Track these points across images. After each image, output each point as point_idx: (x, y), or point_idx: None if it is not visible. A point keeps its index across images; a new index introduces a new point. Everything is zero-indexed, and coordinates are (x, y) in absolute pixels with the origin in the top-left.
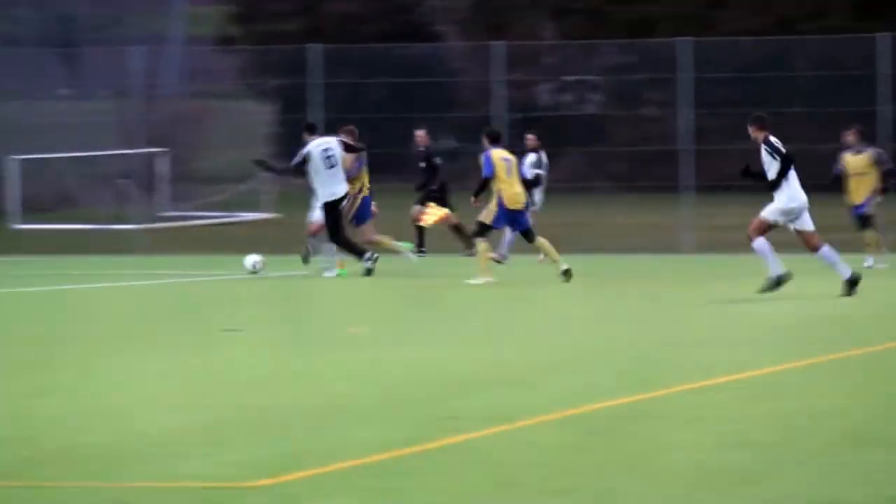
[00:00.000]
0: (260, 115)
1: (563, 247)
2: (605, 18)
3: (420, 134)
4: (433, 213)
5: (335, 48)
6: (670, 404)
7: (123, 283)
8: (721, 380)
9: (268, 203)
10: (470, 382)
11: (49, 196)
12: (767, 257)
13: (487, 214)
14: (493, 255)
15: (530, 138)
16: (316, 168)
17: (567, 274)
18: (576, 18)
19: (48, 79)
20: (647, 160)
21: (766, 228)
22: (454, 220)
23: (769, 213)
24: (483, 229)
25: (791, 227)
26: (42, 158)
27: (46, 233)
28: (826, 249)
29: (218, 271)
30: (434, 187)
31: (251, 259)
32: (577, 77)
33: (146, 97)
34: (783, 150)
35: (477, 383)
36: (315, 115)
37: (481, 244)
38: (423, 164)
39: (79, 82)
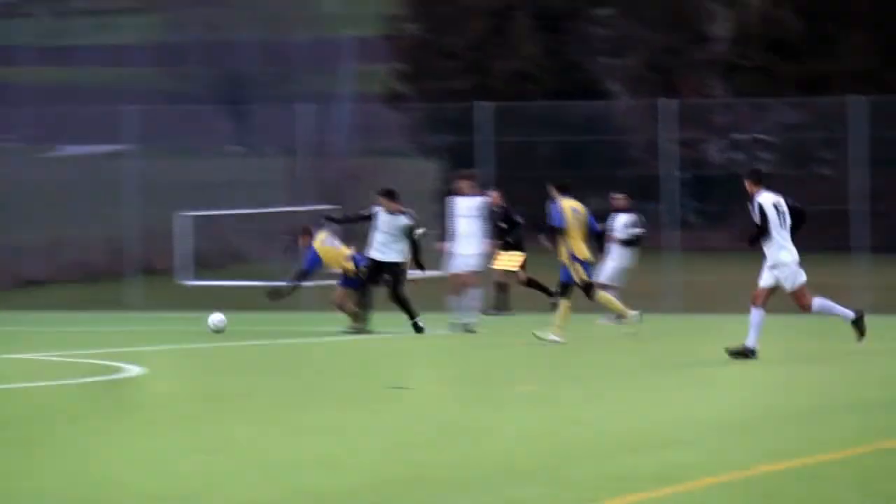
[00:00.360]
0: (428, 173)
1: (737, 306)
2: (775, 75)
3: (494, 195)
4: (506, 260)
5: (504, 106)
6: (847, 466)
7: (290, 340)
8: None
9: (435, 260)
10: (635, 441)
11: (218, 252)
12: None
13: (575, 274)
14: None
15: (618, 197)
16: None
17: (632, 320)
18: (746, 75)
19: (218, 135)
20: (819, 219)
21: None
22: (523, 276)
23: None
24: (568, 289)
25: None
26: (211, 215)
27: (215, 289)
28: None
29: (384, 329)
30: (510, 240)
31: (215, 318)
32: (748, 135)
33: (315, 154)
34: None
35: (642, 441)
36: (484, 172)
37: (565, 303)
38: (502, 224)
39: (248, 139)
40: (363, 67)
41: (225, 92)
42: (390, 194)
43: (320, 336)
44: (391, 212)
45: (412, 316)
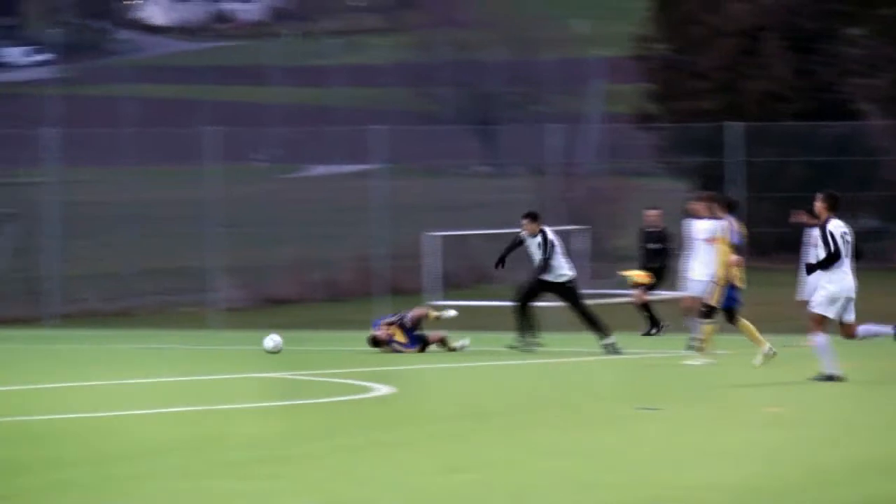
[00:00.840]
0: (676, 193)
1: None
2: None
3: (653, 214)
4: (634, 275)
5: (754, 126)
6: None
7: (537, 360)
8: None
9: (684, 281)
10: (882, 465)
11: (465, 272)
12: None
13: (715, 296)
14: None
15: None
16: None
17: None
18: None
19: (465, 155)
20: None
21: None
22: (645, 298)
23: None
24: (710, 312)
25: None
26: (459, 235)
27: (462, 308)
28: None
29: (634, 349)
30: (657, 265)
31: (272, 340)
32: None
33: (563, 174)
34: None
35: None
36: (733, 192)
37: (708, 326)
38: (657, 245)
39: (496, 159)
40: (612, 87)
41: (473, 112)
42: (532, 217)
43: (567, 356)
44: (532, 234)
45: (603, 333)
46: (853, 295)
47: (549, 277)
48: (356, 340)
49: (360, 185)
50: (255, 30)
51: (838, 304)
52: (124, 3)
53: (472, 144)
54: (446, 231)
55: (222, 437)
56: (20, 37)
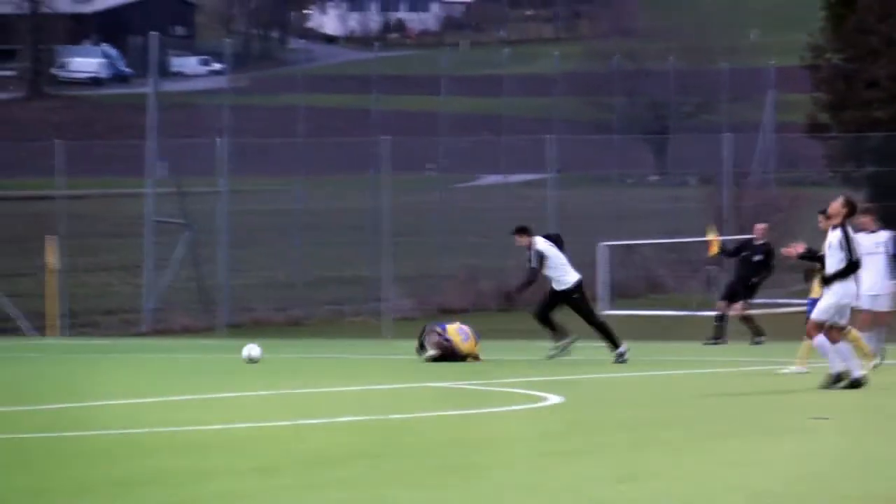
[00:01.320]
0: None
1: None
2: None
3: (761, 227)
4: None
5: None
6: None
7: (709, 370)
8: None
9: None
10: None
11: (635, 281)
12: None
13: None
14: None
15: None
16: None
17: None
18: None
19: (637, 165)
20: None
21: None
22: (745, 311)
23: None
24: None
25: None
26: (630, 244)
27: (632, 318)
28: None
29: (767, 358)
30: (755, 278)
31: (248, 350)
32: None
33: (735, 184)
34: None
35: None
36: None
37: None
38: (759, 258)
39: (667, 168)
40: (785, 97)
41: (645, 121)
42: (521, 231)
43: (738, 366)
44: (527, 247)
45: (614, 343)
46: (855, 302)
47: (555, 287)
48: (527, 350)
49: (531, 195)
50: (427, 39)
51: (843, 312)
52: (298, 13)
53: (643, 154)
54: (618, 241)
55: (395, 446)
56: (194, 47)
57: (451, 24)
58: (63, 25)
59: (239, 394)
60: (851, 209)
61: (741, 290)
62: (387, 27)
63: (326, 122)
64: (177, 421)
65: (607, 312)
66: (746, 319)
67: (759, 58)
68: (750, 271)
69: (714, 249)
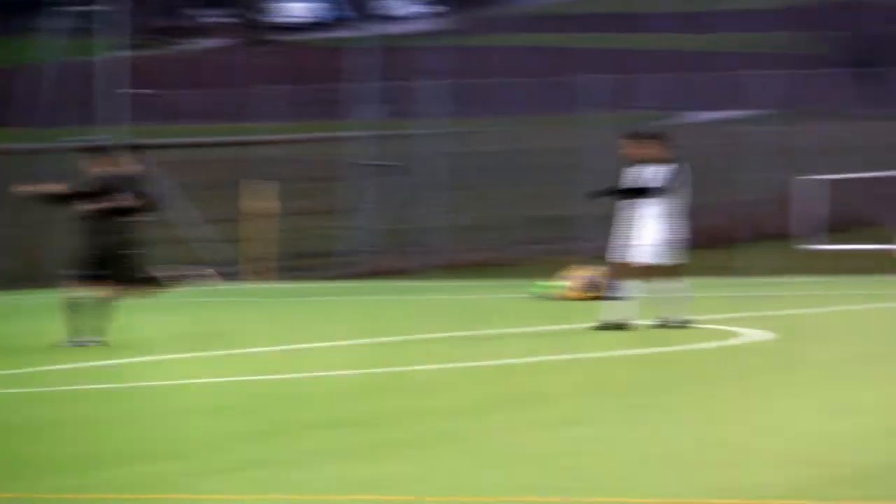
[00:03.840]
0: None
1: None
2: None
3: None
4: None
5: None
6: None
7: None
8: None
9: None
10: None
11: (840, 216)
12: None
13: None
14: None
15: None
16: None
17: None
18: None
19: (848, 99)
20: None
21: None
22: None
23: None
24: None
25: None
26: (835, 179)
27: (835, 252)
28: None
29: None
30: None
31: None
32: None
33: None
34: None
35: None
36: None
37: None
38: None
39: (879, 102)
40: None
41: (856, 55)
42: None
43: None
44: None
45: None
46: None
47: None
48: (728, 286)
49: (740, 131)
50: None
51: None
52: None
53: (855, 88)
54: (827, 175)
55: (595, 384)
56: None
57: None
58: None
59: (449, 334)
60: None
61: None
62: None
63: (536, 61)
64: (392, 362)
65: (808, 247)
66: None
67: None
68: None
69: None
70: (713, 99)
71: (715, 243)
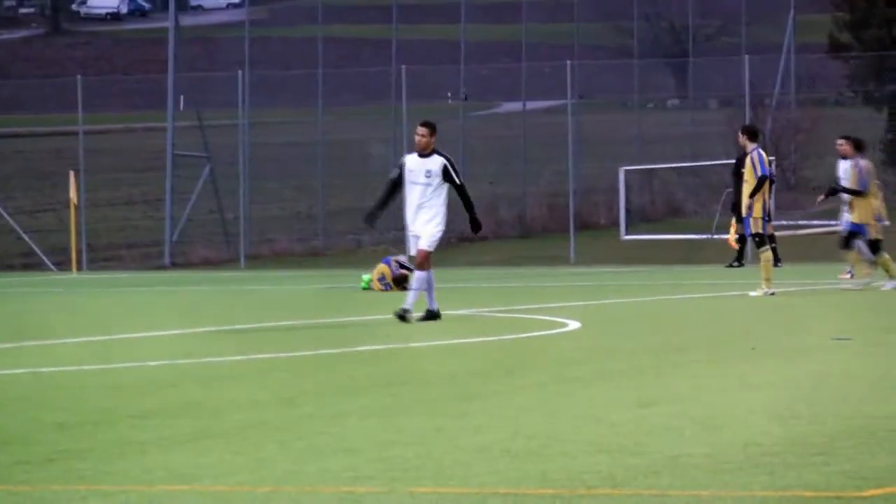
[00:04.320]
0: (873, 122)
1: None
2: None
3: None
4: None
5: None
6: None
7: (726, 293)
8: None
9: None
10: None
11: (658, 206)
12: None
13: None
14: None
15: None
16: None
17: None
18: None
19: (658, 89)
20: None
21: None
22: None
23: None
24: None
25: None
26: (651, 169)
27: (653, 243)
28: None
29: (819, 280)
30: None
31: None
32: None
33: (754, 106)
34: None
35: None
36: None
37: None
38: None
39: (688, 92)
40: (804, 17)
41: (665, 45)
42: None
43: (756, 288)
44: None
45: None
46: None
47: None
48: (547, 276)
49: (552, 122)
50: None
51: None
52: None
53: (665, 78)
54: (639, 165)
55: (415, 374)
56: None
57: None
58: None
59: (258, 325)
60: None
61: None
62: None
63: (347, 52)
64: (198, 353)
65: (627, 237)
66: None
67: None
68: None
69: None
70: (528, 88)
71: (540, 233)
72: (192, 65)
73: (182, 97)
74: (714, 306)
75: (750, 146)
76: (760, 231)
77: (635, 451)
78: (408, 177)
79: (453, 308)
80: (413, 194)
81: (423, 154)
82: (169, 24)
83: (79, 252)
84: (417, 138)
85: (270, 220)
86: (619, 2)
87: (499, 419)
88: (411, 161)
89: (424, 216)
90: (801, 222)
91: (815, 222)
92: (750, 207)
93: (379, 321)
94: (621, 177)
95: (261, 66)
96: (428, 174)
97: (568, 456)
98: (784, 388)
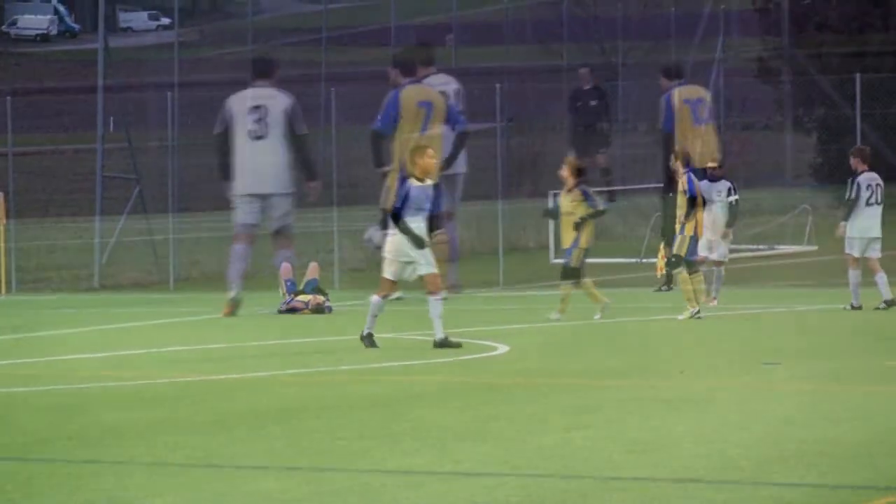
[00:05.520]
0: (805, 147)
1: None
2: None
3: None
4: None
5: (876, 78)
6: None
7: (655, 318)
8: None
9: (810, 235)
10: None
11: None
12: None
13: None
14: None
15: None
16: None
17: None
18: None
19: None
20: None
21: None
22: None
23: None
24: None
25: None
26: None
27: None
28: None
29: (751, 304)
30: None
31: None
32: None
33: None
34: None
35: None
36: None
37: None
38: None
39: (618, 115)
40: (733, 40)
41: (595, 67)
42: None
43: (682, 311)
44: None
45: None
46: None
47: None
48: (476, 299)
49: (481, 144)
50: None
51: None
52: None
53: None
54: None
55: (345, 398)
56: (142, 1)
57: None
58: None
59: (189, 347)
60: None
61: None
62: None
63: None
64: (127, 375)
65: (556, 261)
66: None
67: (709, 1)
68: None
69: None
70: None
71: (460, 255)
72: (121, 86)
73: (112, 118)
74: (642, 330)
75: (681, 170)
76: (683, 253)
77: (564, 475)
78: None
79: (379, 332)
80: None
81: None
82: (98, 45)
83: (8, 273)
84: None
85: (199, 242)
86: (549, 24)
87: (426, 443)
88: None
89: None
90: (736, 247)
91: (749, 246)
92: (682, 227)
93: (315, 343)
94: (550, 201)
95: (191, 88)
96: None
97: (496, 479)
98: (713, 412)
